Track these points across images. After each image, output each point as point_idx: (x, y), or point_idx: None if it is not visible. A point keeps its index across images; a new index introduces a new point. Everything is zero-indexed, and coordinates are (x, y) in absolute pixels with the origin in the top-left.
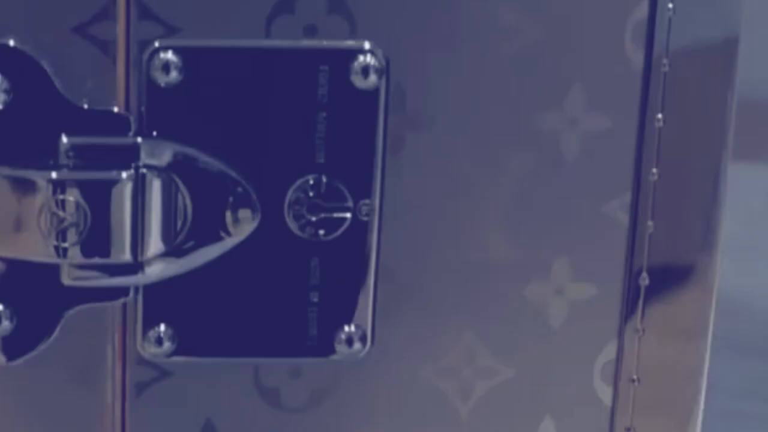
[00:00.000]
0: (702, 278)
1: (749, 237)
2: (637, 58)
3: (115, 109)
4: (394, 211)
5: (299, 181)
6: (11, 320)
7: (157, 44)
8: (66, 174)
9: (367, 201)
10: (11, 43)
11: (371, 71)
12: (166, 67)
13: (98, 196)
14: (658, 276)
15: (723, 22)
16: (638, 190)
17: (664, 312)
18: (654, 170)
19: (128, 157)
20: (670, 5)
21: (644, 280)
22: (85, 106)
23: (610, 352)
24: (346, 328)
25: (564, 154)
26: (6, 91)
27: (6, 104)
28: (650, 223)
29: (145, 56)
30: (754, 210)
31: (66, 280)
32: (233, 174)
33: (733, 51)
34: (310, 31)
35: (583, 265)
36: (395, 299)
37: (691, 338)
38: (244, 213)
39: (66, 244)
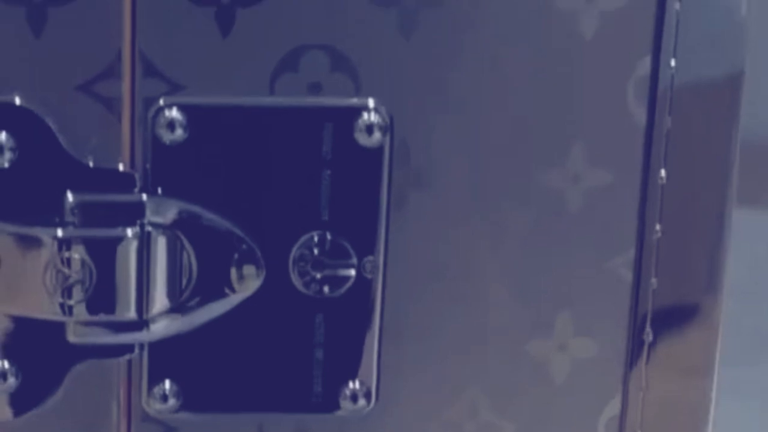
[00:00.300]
0: (707, 320)
1: (754, 282)
2: (640, 113)
3: (120, 167)
4: (397, 267)
5: (304, 238)
6: (17, 377)
7: (162, 102)
8: (71, 231)
9: (371, 258)
10: (17, 101)
11: (375, 129)
12: (171, 124)
13: (103, 254)
14: (662, 326)
15: (727, 70)
16: (641, 247)
17: (668, 356)
18: (657, 227)
19: (133, 214)
20: (673, 62)
21: (648, 335)
22: (91, 164)
23: (614, 407)
24: (351, 385)
25: (567, 210)
26: (12, 149)
27: (12, 162)
28: (654, 280)
29: (150, 114)
30: (759, 255)
31: (71, 338)
32: (238, 231)
33: (736, 102)
34: (314, 88)
35: (585, 322)
36: (399, 355)
37: (695, 380)
38: (249, 270)
39: (71, 302)
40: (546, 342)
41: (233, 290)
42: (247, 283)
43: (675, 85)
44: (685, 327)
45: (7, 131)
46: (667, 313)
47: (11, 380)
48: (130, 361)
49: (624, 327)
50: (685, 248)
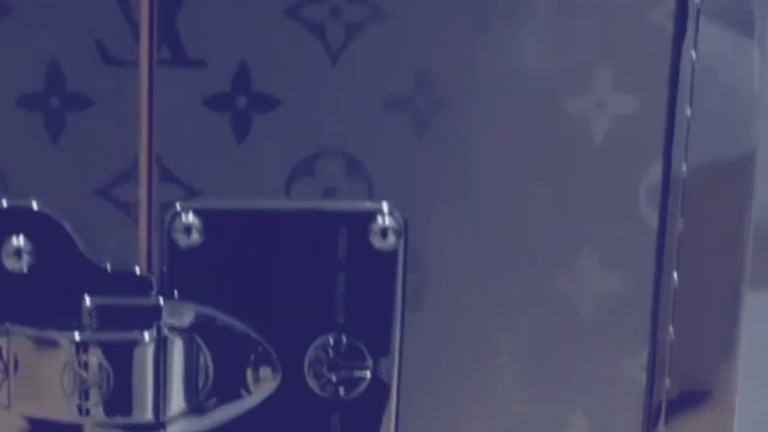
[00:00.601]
0: (721, 406)
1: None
2: (651, 217)
3: (137, 271)
4: (413, 369)
5: (319, 340)
6: None
7: (178, 206)
8: (89, 335)
9: (386, 360)
10: (34, 205)
11: (389, 232)
12: (187, 229)
13: (120, 357)
14: (676, 413)
15: (739, 149)
16: (654, 349)
17: None
18: (670, 329)
19: (150, 317)
20: (684, 167)
21: (662, 424)
22: (108, 267)
23: None
24: None
25: (579, 313)
26: (29, 253)
27: (30, 266)
28: (668, 380)
29: (167, 218)
30: None
31: None
32: (254, 334)
33: (749, 182)
34: (329, 193)
35: (600, 423)
36: None
37: None
38: (265, 372)
39: (89, 404)
40: None
41: (249, 392)
42: (263, 384)
43: (686, 172)
44: (699, 412)
45: (26, 235)
46: (680, 401)
47: None
48: None
49: (638, 429)
50: (698, 344)
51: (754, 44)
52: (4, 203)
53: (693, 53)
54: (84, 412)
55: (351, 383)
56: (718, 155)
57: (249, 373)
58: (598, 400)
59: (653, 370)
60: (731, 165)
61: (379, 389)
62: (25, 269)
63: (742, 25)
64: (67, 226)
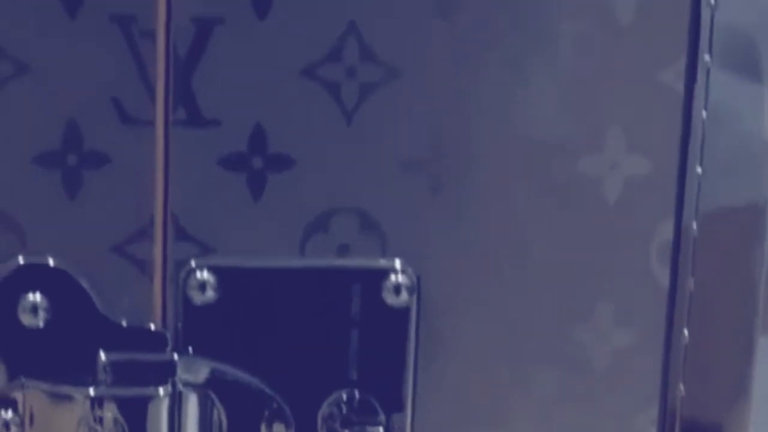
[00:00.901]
0: None
1: None
2: (663, 275)
3: (152, 327)
4: (426, 425)
5: (332, 396)
6: None
7: (193, 264)
8: (104, 390)
9: (399, 415)
10: (51, 262)
11: (402, 289)
12: (202, 286)
13: (135, 412)
14: None
15: (750, 198)
16: (665, 405)
17: None
18: (681, 386)
19: (165, 373)
20: (695, 225)
21: None
22: (123, 323)
23: None
24: None
25: (593, 367)
26: (46, 309)
27: (46, 321)
28: None
29: (182, 275)
30: None
31: None
32: (268, 389)
33: (761, 230)
34: (343, 250)
35: None
36: None
37: None
38: (279, 427)
39: None
40: None
41: None
42: None
43: (697, 250)
44: None
45: (42, 292)
46: None
47: None
48: None
49: None
50: (709, 399)
51: (764, 91)
52: (21, 260)
53: (704, 113)
54: None
55: None
56: (730, 204)
57: (263, 429)
58: None
59: (663, 426)
60: (743, 213)
61: None
62: (41, 325)
63: (752, 72)
64: (84, 283)
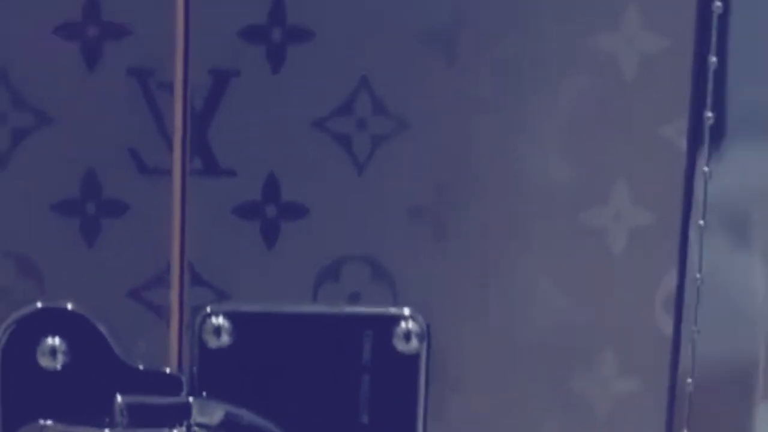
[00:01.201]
0: None
1: None
2: (667, 324)
3: (168, 370)
4: None
5: None
6: None
7: (208, 309)
8: None
9: None
10: (69, 306)
11: (413, 336)
12: (217, 331)
13: None
14: None
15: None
16: None
17: None
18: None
19: (180, 415)
20: (698, 275)
21: None
22: (140, 367)
23: None
24: None
25: (596, 416)
26: (64, 353)
27: (64, 365)
28: None
29: (198, 320)
30: None
31: None
32: None
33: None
34: (354, 297)
35: None
36: None
37: None
38: None
39: None
40: None
41: None
42: None
43: (701, 299)
44: None
45: (60, 336)
46: None
47: None
48: None
49: None
50: None
51: (755, 255)
52: (40, 304)
53: (706, 168)
54: None
55: None
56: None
57: None
58: None
59: None
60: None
61: None
62: (59, 367)
63: (744, 237)
64: (101, 327)
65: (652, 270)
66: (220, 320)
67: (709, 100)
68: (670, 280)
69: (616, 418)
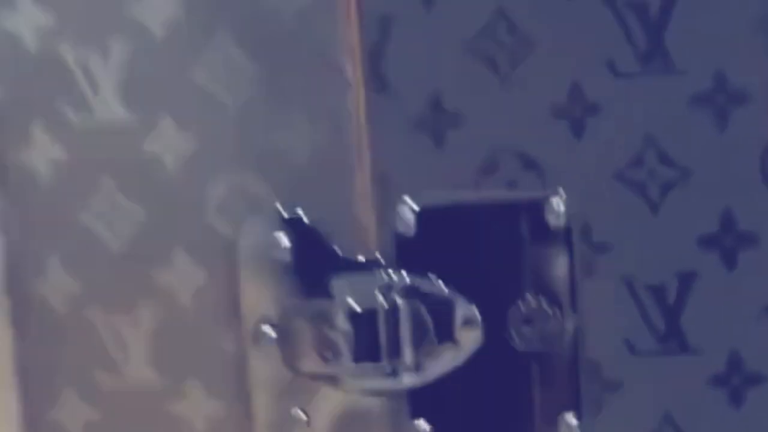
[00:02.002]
0: None
1: None
2: None
3: (374, 256)
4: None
5: (513, 302)
6: None
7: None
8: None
9: (568, 314)
10: (301, 215)
11: (561, 213)
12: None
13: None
14: None
15: None
16: None
17: None
18: None
19: (385, 290)
20: None
21: None
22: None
23: None
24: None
25: None
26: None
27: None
28: None
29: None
30: None
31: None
32: (463, 299)
33: None
34: (511, 185)
35: None
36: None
37: None
38: (472, 330)
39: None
40: None
41: (460, 347)
42: (470, 341)
43: None
44: None
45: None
46: None
47: None
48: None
49: None
50: None
51: None
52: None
53: None
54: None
55: (542, 335)
56: None
57: (458, 331)
58: None
59: None
60: None
61: (565, 339)
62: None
63: None
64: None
65: None
66: (407, 212)
67: None
68: None
69: None
